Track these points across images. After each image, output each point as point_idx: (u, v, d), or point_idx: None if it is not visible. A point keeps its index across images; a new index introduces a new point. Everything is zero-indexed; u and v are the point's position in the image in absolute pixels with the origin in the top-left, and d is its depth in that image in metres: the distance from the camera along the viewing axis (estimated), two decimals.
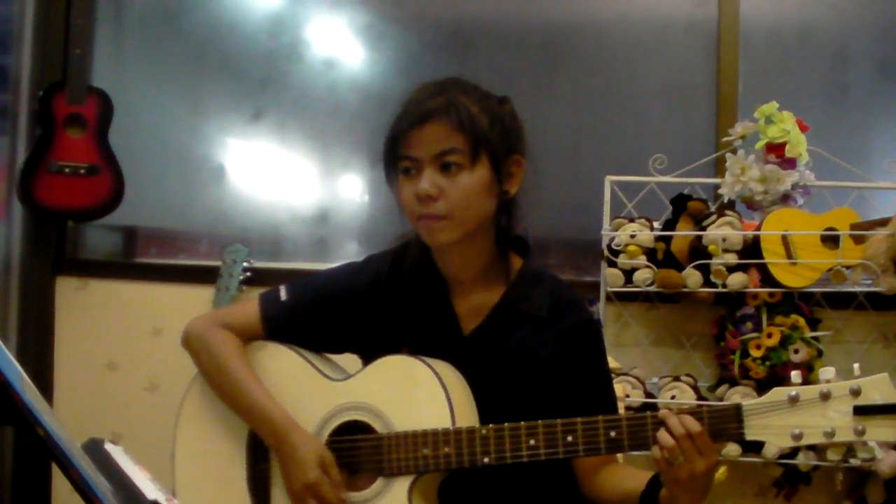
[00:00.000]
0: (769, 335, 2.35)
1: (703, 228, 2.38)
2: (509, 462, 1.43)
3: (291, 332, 1.63)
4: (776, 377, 2.31)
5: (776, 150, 2.39)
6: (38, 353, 2.86)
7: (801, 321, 2.37)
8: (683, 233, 2.41)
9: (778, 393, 1.35)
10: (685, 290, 2.38)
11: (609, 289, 2.47)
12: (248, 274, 2.67)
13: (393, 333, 1.60)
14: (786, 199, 2.41)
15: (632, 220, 2.45)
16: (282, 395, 1.56)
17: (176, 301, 2.82)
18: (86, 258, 2.98)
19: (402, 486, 1.46)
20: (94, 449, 1.08)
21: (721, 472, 2.43)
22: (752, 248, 2.36)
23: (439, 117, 1.49)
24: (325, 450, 1.50)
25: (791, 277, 2.34)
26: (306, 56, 3.02)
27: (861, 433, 1.30)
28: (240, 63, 2.99)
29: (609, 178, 2.54)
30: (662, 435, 1.34)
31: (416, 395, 1.47)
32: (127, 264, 2.99)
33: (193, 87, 3.04)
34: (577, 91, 2.89)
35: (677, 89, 2.82)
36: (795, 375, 1.38)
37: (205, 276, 2.74)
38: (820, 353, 2.36)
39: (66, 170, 2.73)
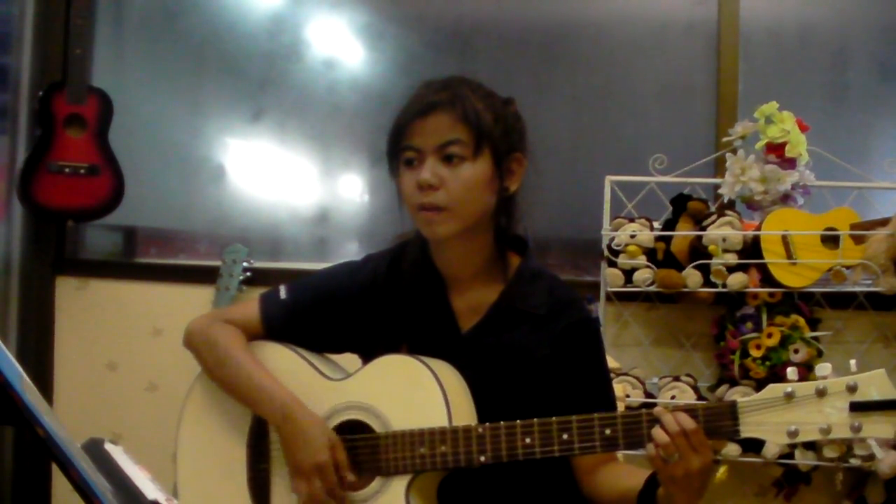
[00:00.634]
0: (769, 335, 2.35)
1: (703, 228, 2.38)
2: (505, 460, 1.43)
3: (291, 332, 1.63)
4: (776, 377, 2.30)
5: (776, 150, 2.39)
6: (38, 353, 2.86)
7: (801, 321, 2.37)
8: (683, 233, 2.41)
9: (773, 390, 1.34)
10: (685, 290, 2.38)
11: (609, 289, 2.47)
12: (248, 274, 2.67)
13: (391, 332, 1.60)
14: (786, 199, 2.41)
15: (632, 220, 2.45)
16: None
17: (176, 301, 2.82)
18: (86, 258, 2.99)
19: (399, 485, 1.47)
20: (94, 449, 1.08)
21: (721, 472, 2.43)
22: (752, 248, 2.36)
23: (444, 109, 1.50)
24: (332, 431, 1.50)
25: (791, 277, 2.34)
26: (306, 56, 3.02)
27: (857, 430, 1.30)
28: (240, 63, 2.99)
29: (609, 178, 2.54)
30: (657, 432, 1.35)
31: (413, 394, 1.48)
32: (127, 264, 2.99)
33: (193, 87, 3.04)
34: (577, 91, 2.89)
35: (677, 89, 2.82)
36: (791, 372, 1.38)
37: (205, 276, 2.74)
38: (820, 353, 2.36)
39: (66, 170, 2.73)
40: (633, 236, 2.41)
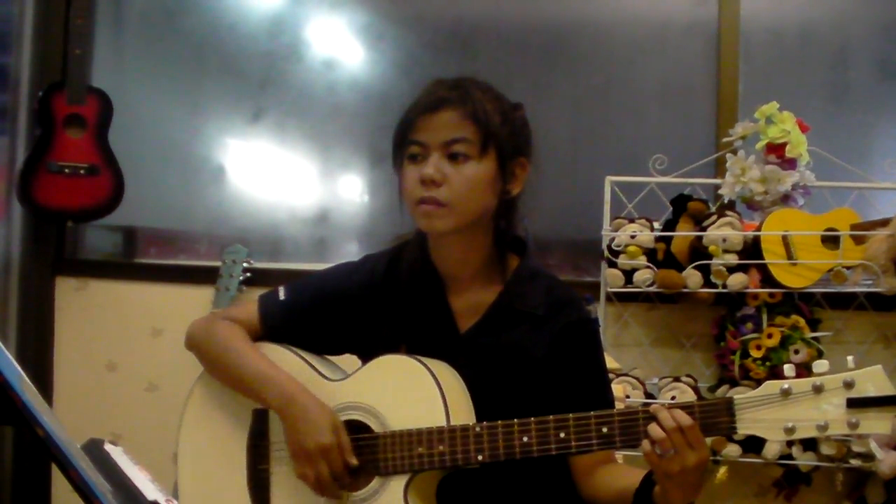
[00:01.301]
0: (769, 335, 2.35)
1: (704, 229, 2.38)
2: (503, 459, 1.43)
3: (290, 332, 1.63)
4: (776, 378, 2.29)
5: (776, 150, 2.39)
6: (37, 353, 2.86)
7: (802, 321, 2.37)
8: (684, 233, 2.41)
9: (770, 386, 1.34)
10: (685, 290, 2.38)
11: (609, 289, 2.47)
12: (248, 274, 2.67)
13: (390, 332, 1.60)
14: (786, 199, 2.41)
15: (632, 221, 2.45)
16: None
17: (176, 301, 2.82)
18: (85, 258, 2.98)
19: (397, 485, 1.47)
20: (94, 449, 1.08)
21: (721, 472, 2.43)
22: (752, 249, 2.36)
23: (453, 105, 1.50)
24: (336, 415, 1.50)
25: (791, 278, 2.34)
26: (306, 56, 3.02)
27: (854, 426, 1.30)
28: (240, 63, 2.99)
29: (609, 179, 2.54)
30: (653, 428, 1.35)
31: (411, 394, 1.47)
32: (127, 264, 2.99)
33: (193, 87, 3.04)
34: (577, 91, 2.89)
35: (677, 89, 2.82)
36: (789, 369, 1.37)
37: (205, 276, 2.74)
38: (820, 354, 2.36)
39: (66, 170, 2.73)
40: (633, 237, 2.41)
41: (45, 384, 2.83)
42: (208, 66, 3.03)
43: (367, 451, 1.49)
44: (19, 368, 0.92)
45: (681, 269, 2.38)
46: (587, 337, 1.60)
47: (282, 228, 2.99)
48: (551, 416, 1.41)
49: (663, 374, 2.48)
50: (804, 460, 2.34)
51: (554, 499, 1.59)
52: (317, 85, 2.99)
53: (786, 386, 1.33)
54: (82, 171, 2.74)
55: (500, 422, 1.43)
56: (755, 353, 2.35)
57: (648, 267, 2.40)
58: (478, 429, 1.44)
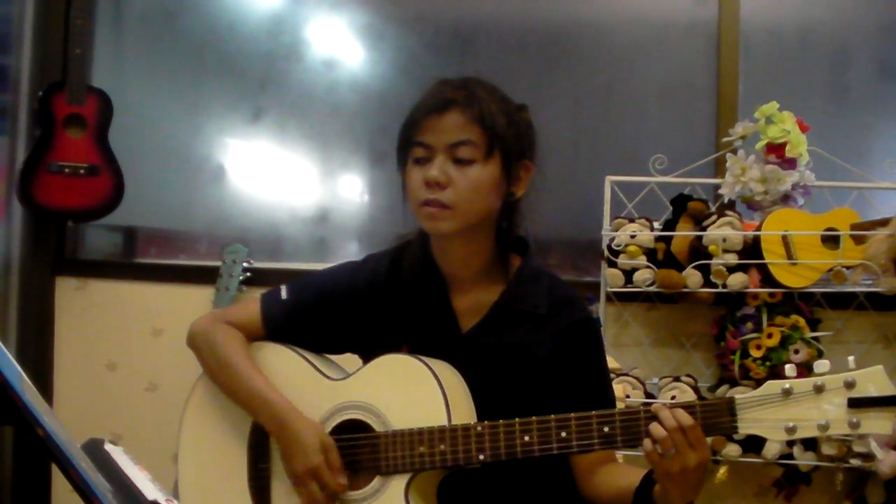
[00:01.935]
0: (769, 335, 2.35)
1: (704, 229, 2.38)
2: (504, 458, 1.43)
3: (291, 332, 1.63)
4: (776, 377, 2.28)
5: (776, 150, 2.39)
6: (38, 353, 2.86)
7: (802, 321, 2.37)
8: (684, 233, 2.41)
9: (771, 386, 1.34)
10: (685, 290, 2.38)
11: (609, 289, 2.47)
12: (248, 274, 2.67)
13: (392, 332, 1.60)
14: (786, 199, 2.41)
15: (632, 221, 2.45)
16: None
17: (176, 301, 2.82)
18: (85, 258, 2.98)
19: (398, 484, 1.47)
20: (94, 449, 1.08)
21: (721, 472, 2.44)
22: (752, 249, 2.36)
23: (459, 108, 1.50)
24: (326, 434, 1.50)
25: (791, 277, 2.34)
26: (306, 56, 3.02)
27: (855, 426, 1.30)
28: (239, 63, 2.99)
29: (609, 178, 2.54)
30: (654, 427, 1.35)
31: (413, 393, 1.48)
32: (127, 264, 2.99)
33: (193, 87, 3.04)
34: (577, 91, 2.89)
35: (677, 89, 2.82)
36: (790, 369, 1.37)
37: (205, 276, 2.74)
38: (820, 354, 2.36)
39: (66, 170, 2.73)
40: (633, 236, 2.41)
41: (45, 384, 2.83)
42: (208, 66, 3.03)
43: (367, 450, 1.49)
44: (19, 368, 0.92)
45: (681, 268, 2.38)
46: (589, 336, 1.60)
47: (282, 228, 2.99)
48: (553, 416, 1.41)
49: (663, 373, 2.48)
50: (804, 460, 2.34)
51: (555, 498, 1.59)
52: (317, 85, 2.99)
53: (787, 386, 1.33)
54: (82, 171, 2.74)
55: (501, 421, 1.43)
56: (755, 353, 2.35)
57: (648, 267, 2.40)
58: (479, 428, 1.44)
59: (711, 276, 2.36)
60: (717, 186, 2.52)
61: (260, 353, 1.62)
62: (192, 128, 3.03)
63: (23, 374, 0.92)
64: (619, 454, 1.75)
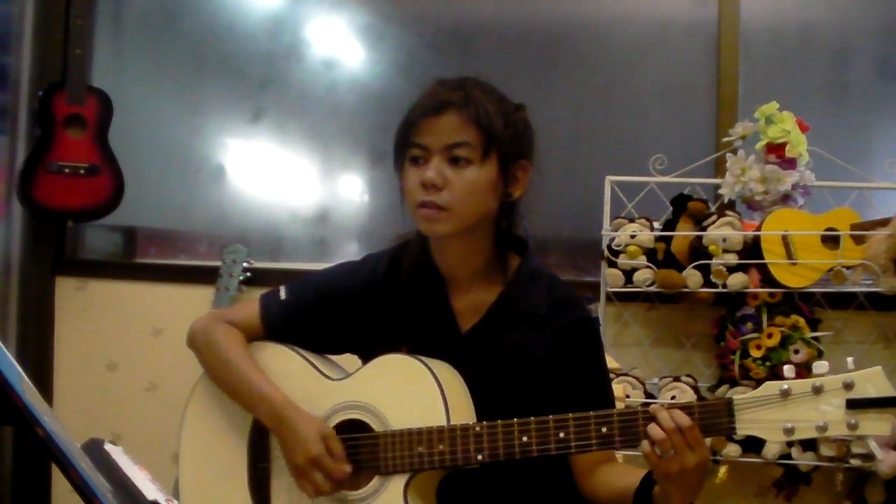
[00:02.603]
0: (769, 335, 2.35)
1: (704, 229, 2.38)
2: (503, 458, 1.43)
3: (291, 332, 1.63)
4: (776, 378, 2.28)
5: (776, 150, 2.39)
6: (38, 353, 2.86)
7: (802, 321, 2.37)
8: (684, 233, 2.41)
9: (770, 387, 1.34)
10: (685, 290, 2.38)
11: (609, 289, 2.47)
12: (248, 274, 2.67)
13: (391, 332, 1.60)
14: (786, 199, 2.41)
15: (632, 221, 2.45)
16: None
17: (176, 301, 2.82)
18: (85, 258, 2.99)
19: (398, 484, 1.47)
20: (94, 449, 1.08)
21: (721, 472, 2.43)
22: (752, 249, 2.36)
23: (456, 109, 1.50)
24: (325, 425, 1.51)
25: (791, 277, 2.34)
26: (306, 56, 3.02)
27: (854, 427, 1.30)
28: (239, 63, 2.99)
29: (609, 178, 2.54)
30: (653, 428, 1.35)
31: (412, 393, 1.48)
32: (127, 264, 2.99)
33: (193, 87, 3.04)
34: (577, 91, 2.89)
35: (677, 89, 2.82)
36: (788, 369, 1.37)
37: (205, 276, 2.74)
38: (820, 354, 2.36)
39: (66, 170, 2.73)
40: (633, 236, 2.41)
41: (45, 384, 2.83)
42: (208, 67, 3.03)
43: (367, 450, 1.49)
44: (19, 368, 0.92)
45: (681, 268, 2.38)
46: (589, 336, 1.60)
47: (282, 228, 2.99)
48: (551, 416, 1.42)
49: (663, 373, 2.48)
50: (804, 460, 2.34)
51: (554, 498, 1.59)
52: (317, 85, 2.99)
53: (785, 386, 1.33)
54: (82, 171, 2.74)
55: (500, 421, 1.43)
56: (755, 353, 2.35)
57: (648, 267, 2.40)
58: (478, 428, 1.44)
59: (711, 276, 2.36)
60: (717, 186, 2.52)
61: (260, 352, 1.62)
62: (192, 128, 3.03)
63: (23, 374, 0.93)
64: (619, 454, 1.76)
